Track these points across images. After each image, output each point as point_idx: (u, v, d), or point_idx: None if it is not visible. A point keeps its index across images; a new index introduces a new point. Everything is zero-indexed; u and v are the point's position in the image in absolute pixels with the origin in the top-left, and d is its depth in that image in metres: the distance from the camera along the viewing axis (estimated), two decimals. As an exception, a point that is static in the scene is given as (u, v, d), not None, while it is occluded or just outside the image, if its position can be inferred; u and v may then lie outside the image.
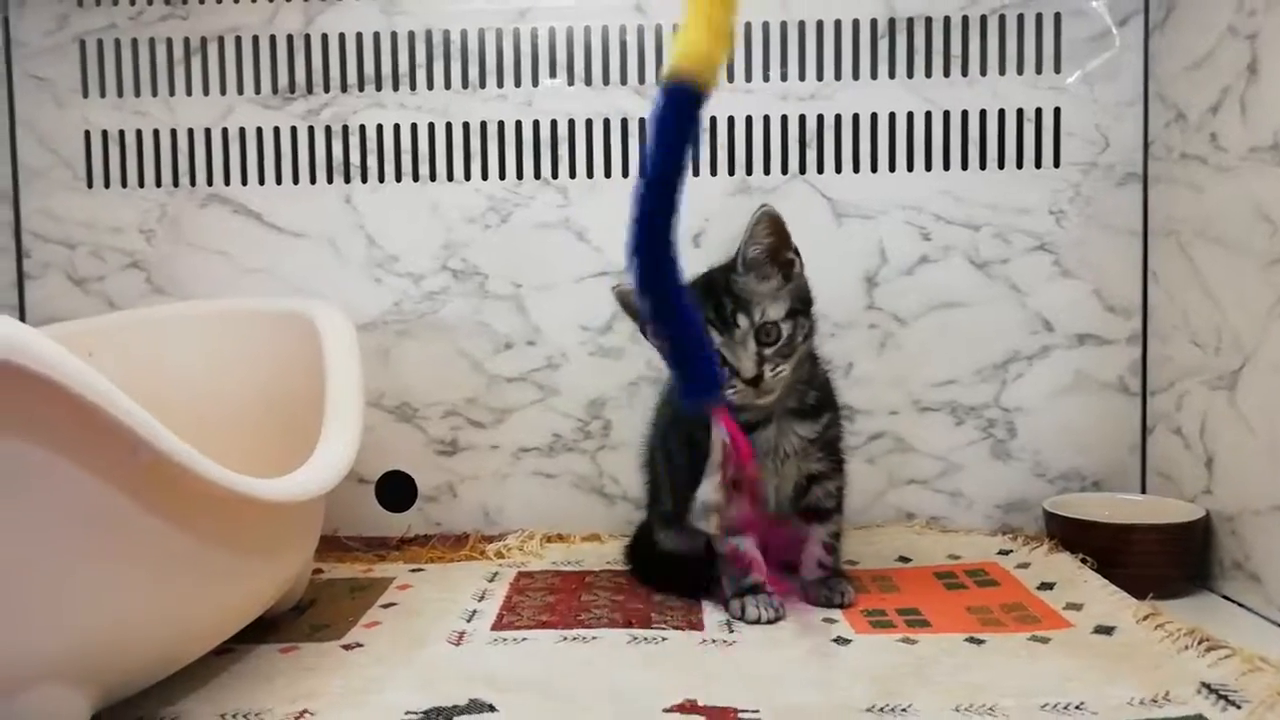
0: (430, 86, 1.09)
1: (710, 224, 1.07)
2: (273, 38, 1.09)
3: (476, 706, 0.64)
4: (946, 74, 1.07)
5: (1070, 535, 0.94)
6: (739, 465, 0.60)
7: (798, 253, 0.83)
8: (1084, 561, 0.90)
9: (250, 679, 0.69)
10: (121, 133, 1.11)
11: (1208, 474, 0.93)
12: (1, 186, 1.10)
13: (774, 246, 0.81)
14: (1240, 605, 0.86)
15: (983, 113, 1.06)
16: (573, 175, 1.09)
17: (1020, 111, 1.06)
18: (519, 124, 1.09)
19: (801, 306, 0.82)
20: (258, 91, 1.10)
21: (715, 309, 0.80)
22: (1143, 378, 1.06)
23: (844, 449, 0.89)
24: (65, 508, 0.52)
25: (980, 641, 0.75)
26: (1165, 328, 1.02)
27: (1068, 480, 1.07)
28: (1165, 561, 0.89)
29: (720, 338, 0.79)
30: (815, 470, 0.86)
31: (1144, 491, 1.05)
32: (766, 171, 1.08)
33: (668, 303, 0.54)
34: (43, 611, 0.52)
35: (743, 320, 0.79)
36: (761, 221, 0.80)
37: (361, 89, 1.09)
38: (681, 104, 0.52)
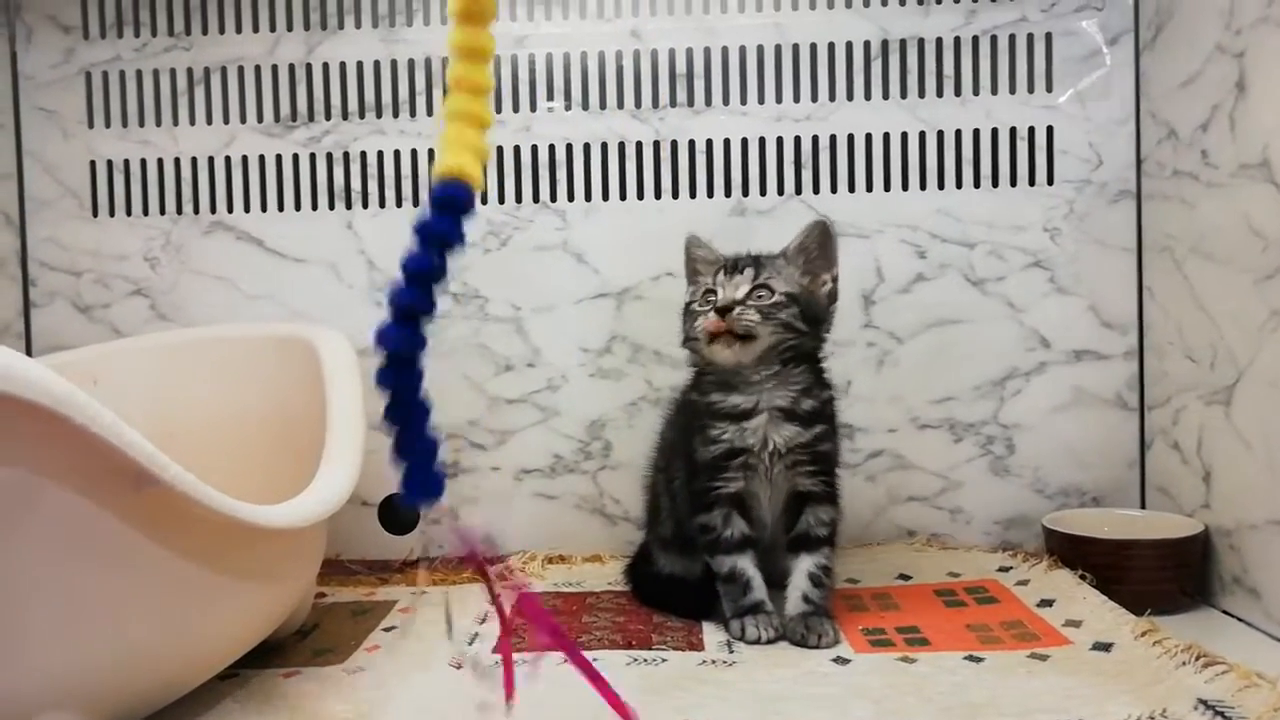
0: (430, 113, 1.11)
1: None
2: (274, 67, 1.11)
3: (477, 729, 0.64)
4: (940, 94, 1.08)
5: (1070, 551, 0.94)
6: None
7: (834, 278, 0.87)
8: (1083, 577, 0.90)
9: (254, 703, 0.70)
10: (126, 162, 1.12)
11: (1206, 489, 0.93)
12: (9, 216, 1.12)
13: (812, 254, 0.87)
14: (1239, 620, 0.86)
15: (976, 132, 1.08)
16: (571, 198, 1.10)
17: (1014, 130, 1.07)
18: (517, 148, 1.10)
19: (803, 307, 0.84)
20: (260, 120, 1.12)
21: (734, 261, 0.87)
22: (1140, 393, 1.07)
23: (839, 476, 0.88)
24: (70, 537, 0.52)
25: (979, 660, 0.75)
26: (1161, 343, 1.02)
27: (1067, 496, 1.07)
28: (1164, 577, 0.89)
29: (723, 277, 0.86)
30: (807, 487, 0.85)
31: (1143, 506, 1.06)
32: (763, 192, 1.09)
33: (403, 397, 0.54)
34: (49, 639, 0.53)
35: (748, 272, 0.85)
36: (812, 227, 0.87)
37: (362, 116, 1.11)
38: (449, 204, 0.54)
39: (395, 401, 0.53)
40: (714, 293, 0.86)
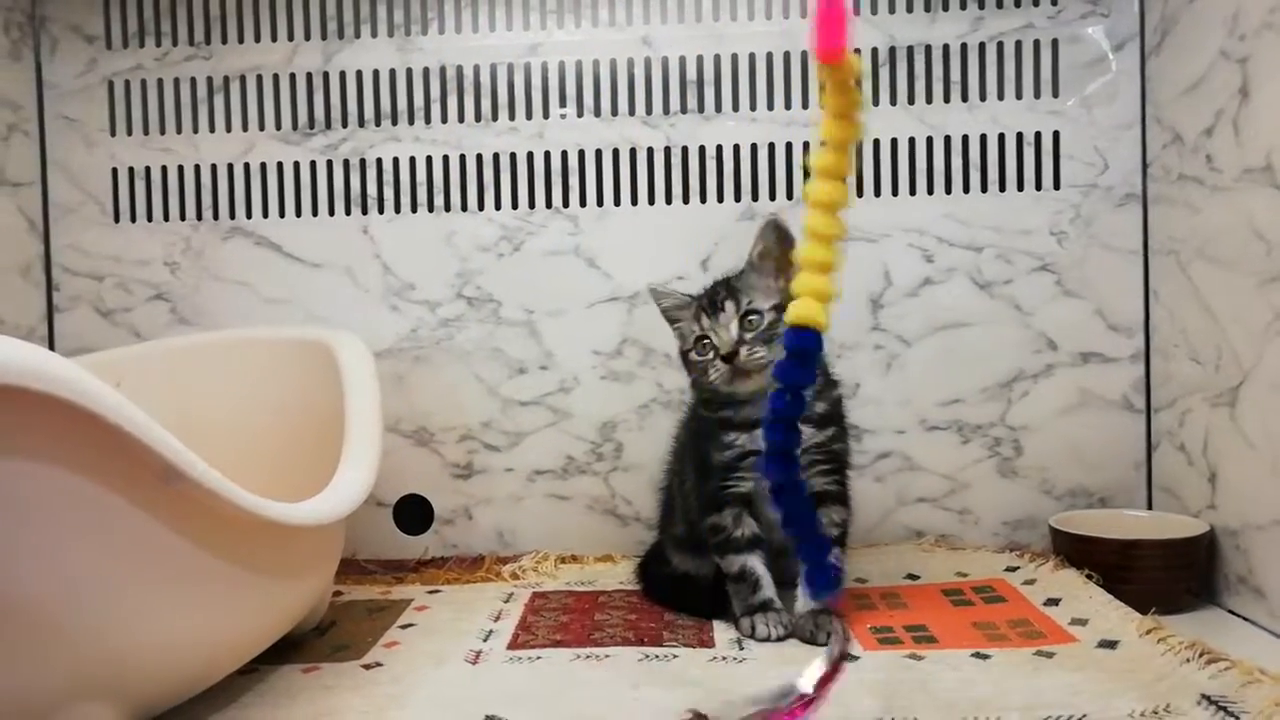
0: (444, 120, 1.13)
1: (718, 248, 1.10)
2: (293, 76, 1.13)
3: (493, 722, 0.66)
4: (947, 100, 1.09)
5: (1076, 551, 0.95)
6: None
7: None
8: (1090, 577, 0.91)
9: (273, 697, 0.71)
10: (148, 169, 1.15)
11: (1211, 489, 0.94)
12: (33, 222, 1.14)
13: (774, 253, 0.86)
14: (1244, 619, 0.87)
15: (983, 137, 1.09)
16: (583, 204, 1.12)
17: (1020, 135, 1.09)
18: (530, 155, 1.12)
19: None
20: (278, 127, 1.14)
21: (710, 298, 0.87)
22: (1146, 395, 1.07)
23: (849, 477, 0.90)
24: (100, 532, 0.54)
25: (986, 656, 0.76)
26: (1167, 346, 1.03)
27: (1074, 497, 1.08)
28: (1170, 577, 0.90)
29: (707, 321, 0.86)
30: (820, 487, 0.86)
31: (1150, 507, 1.06)
32: (772, 197, 1.11)
33: (794, 512, 0.64)
34: (79, 632, 0.54)
35: (729, 306, 0.85)
36: (766, 228, 0.86)
37: (378, 124, 1.13)
38: (800, 351, 0.61)
39: (787, 517, 0.64)
40: (706, 338, 0.85)
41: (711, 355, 0.85)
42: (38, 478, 0.51)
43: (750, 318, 0.84)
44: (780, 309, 0.83)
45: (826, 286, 0.60)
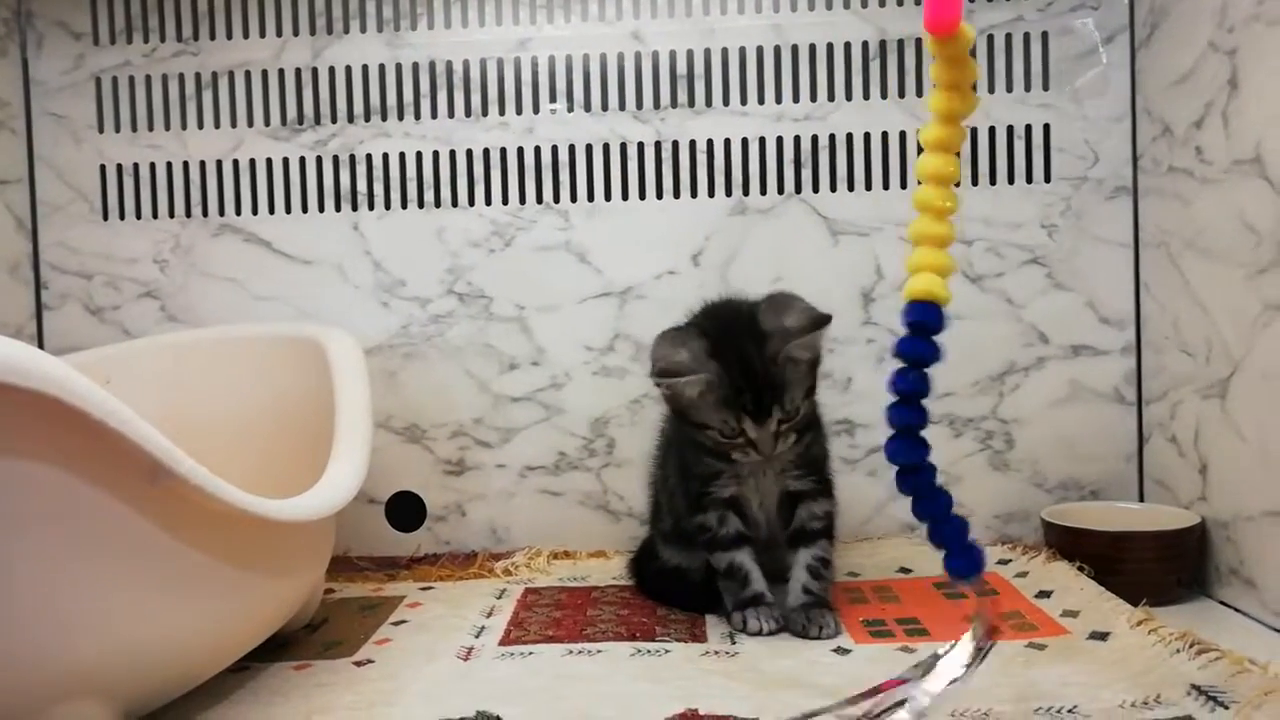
0: (434, 116, 1.12)
1: (709, 242, 1.10)
2: (281, 71, 1.13)
3: (484, 718, 0.66)
4: (938, 93, 1.09)
5: (1068, 544, 0.95)
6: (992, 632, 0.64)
7: (811, 362, 0.83)
8: (1081, 569, 0.91)
9: (266, 695, 0.71)
10: (136, 166, 1.14)
11: (1202, 481, 0.94)
12: (21, 220, 1.14)
13: (816, 350, 0.82)
14: (1236, 610, 0.87)
15: (973, 130, 1.09)
16: (574, 199, 1.12)
17: (1010, 128, 1.09)
18: (520, 150, 1.12)
19: (815, 379, 0.83)
20: (267, 124, 1.13)
21: (755, 399, 0.79)
22: (1137, 387, 1.08)
23: (830, 471, 0.90)
24: (89, 529, 0.54)
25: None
26: (1158, 338, 1.04)
27: (1066, 490, 1.09)
28: (1161, 568, 0.91)
29: (751, 422, 0.80)
30: (797, 488, 0.86)
31: (1141, 499, 1.07)
32: (763, 191, 1.10)
33: (925, 493, 0.61)
34: (69, 630, 0.54)
35: (776, 411, 0.79)
36: (820, 332, 0.80)
37: (368, 119, 1.13)
38: (922, 326, 0.60)
39: (918, 499, 0.61)
40: (742, 433, 0.81)
41: (742, 442, 0.81)
42: (25, 475, 0.51)
43: (789, 426, 0.80)
44: (809, 394, 0.81)
45: (945, 260, 0.59)
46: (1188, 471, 0.97)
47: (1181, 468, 0.98)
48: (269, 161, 1.13)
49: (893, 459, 0.61)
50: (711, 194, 1.11)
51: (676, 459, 0.91)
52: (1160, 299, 1.03)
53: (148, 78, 1.13)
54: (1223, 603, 0.89)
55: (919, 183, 0.61)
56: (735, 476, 0.86)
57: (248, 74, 1.13)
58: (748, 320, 0.82)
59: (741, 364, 0.79)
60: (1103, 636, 0.77)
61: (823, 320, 0.80)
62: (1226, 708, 0.62)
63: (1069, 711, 0.64)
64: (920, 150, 0.62)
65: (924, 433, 0.61)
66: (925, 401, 0.61)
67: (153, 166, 1.14)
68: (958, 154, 0.61)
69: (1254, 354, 0.85)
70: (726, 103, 1.10)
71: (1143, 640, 0.74)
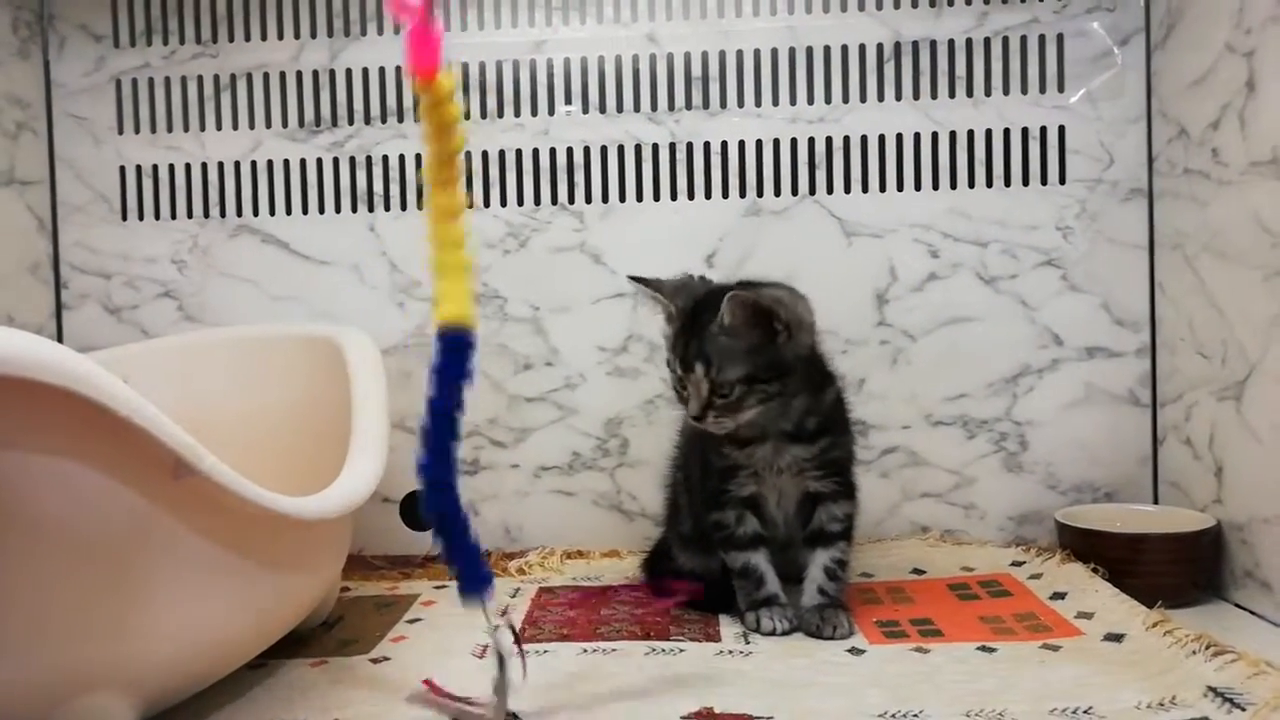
0: (450, 117, 1.13)
1: (723, 244, 1.10)
2: (299, 74, 1.14)
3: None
4: (952, 95, 1.09)
5: (1083, 546, 0.95)
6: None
7: (789, 326, 0.81)
8: (1096, 571, 0.91)
9: (283, 691, 0.72)
10: (155, 167, 1.15)
11: (1217, 483, 0.94)
12: (41, 221, 1.15)
13: (749, 325, 0.80)
14: (1251, 613, 0.87)
15: (989, 132, 1.09)
16: (588, 200, 1.12)
17: (1025, 130, 1.08)
18: (536, 151, 1.13)
19: (767, 374, 0.80)
20: (285, 125, 1.14)
21: (684, 345, 0.82)
22: (1152, 389, 1.07)
23: (854, 474, 0.89)
24: (113, 524, 0.55)
25: (992, 650, 0.76)
26: (1173, 340, 1.03)
27: (1080, 492, 1.08)
28: (1176, 570, 0.90)
29: (681, 370, 0.83)
30: (817, 489, 0.86)
31: (1156, 502, 1.06)
32: (777, 193, 1.11)
33: (448, 517, 0.63)
34: (91, 625, 0.55)
35: (699, 368, 0.81)
36: (734, 311, 0.79)
37: (384, 121, 1.13)
38: (456, 349, 0.64)
39: (443, 518, 0.63)
40: (680, 380, 0.83)
41: (681, 389, 0.84)
42: (50, 471, 0.51)
43: (723, 390, 0.80)
44: (748, 380, 0.80)
45: (466, 285, 0.63)
46: (1203, 474, 0.96)
47: (1196, 470, 0.98)
48: (286, 163, 1.14)
49: (423, 475, 0.63)
50: (725, 195, 1.11)
51: (699, 457, 0.91)
52: (1175, 301, 1.03)
53: (167, 79, 1.15)
54: (1238, 605, 0.89)
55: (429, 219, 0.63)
56: (754, 474, 0.86)
57: (266, 76, 1.14)
58: (720, 292, 0.83)
59: (694, 317, 0.83)
60: (1118, 638, 0.77)
61: (748, 301, 0.79)
62: (1243, 709, 0.62)
63: (1085, 712, 0.64)
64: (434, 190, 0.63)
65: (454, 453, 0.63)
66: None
67: (171, 168, 1.15)
68: (458, 188, 0.63)
69: (1270, 356, 0.85)
70: (741, 104, 1.11)
71: (1158, 642, 0.74)
